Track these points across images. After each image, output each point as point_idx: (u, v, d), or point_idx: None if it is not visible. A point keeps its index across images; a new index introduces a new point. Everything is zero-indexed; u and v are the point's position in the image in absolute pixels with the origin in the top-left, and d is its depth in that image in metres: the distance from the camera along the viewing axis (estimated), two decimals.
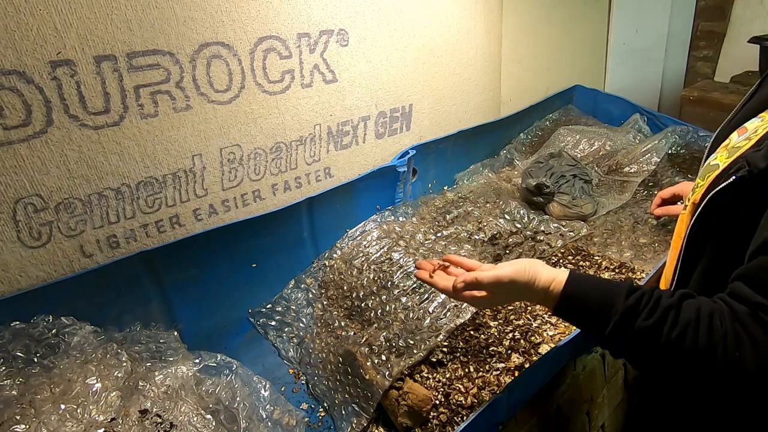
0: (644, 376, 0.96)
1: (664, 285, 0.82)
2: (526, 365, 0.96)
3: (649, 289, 0.62)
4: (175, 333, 0.96)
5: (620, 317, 0.61)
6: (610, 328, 0.61)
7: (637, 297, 0.61)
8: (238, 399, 0.85)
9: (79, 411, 0.73)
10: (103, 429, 0.72)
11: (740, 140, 0.68)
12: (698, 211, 0.65)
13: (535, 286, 0.70)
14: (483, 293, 0.74)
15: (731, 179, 0.60)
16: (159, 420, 0.76)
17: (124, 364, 0.81)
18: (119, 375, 0.79)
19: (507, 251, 1.30)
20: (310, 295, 1.20)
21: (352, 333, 1.04)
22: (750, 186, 0.58)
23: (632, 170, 1.60)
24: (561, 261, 1.28)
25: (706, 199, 0.63)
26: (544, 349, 0.99)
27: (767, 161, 0.57)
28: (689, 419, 0.72)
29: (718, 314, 0.57)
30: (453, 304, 1.01)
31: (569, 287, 0.68)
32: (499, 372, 0.95)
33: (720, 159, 0.69)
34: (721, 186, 0.61)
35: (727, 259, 0.62)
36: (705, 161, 0.81)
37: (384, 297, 1.06)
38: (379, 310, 1.05)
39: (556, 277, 0.69)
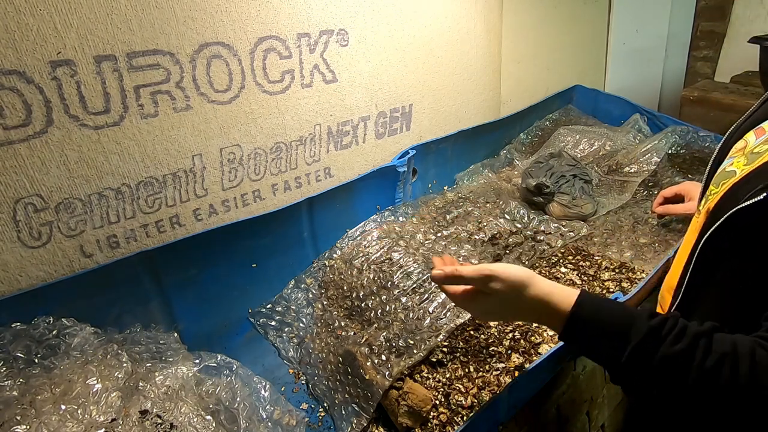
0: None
1: (666, 295, 0.78)
2: (526, 365, 0.96)
3: (673, 316, 0.55)
4: (175, 334, 0.96)
5: (642, 340, 0.53)
6: (629, 352, 0.53)
7: (661, 320, 0.54)
8: (238, 399, 0.85)
9: (79, 411, 0.73)
10: (103, 429, 0.72)
11: (759, 143, 0.61)
12: (715, 227, 0.58)
13: (528, 291, 0.62)
14: (465, 292, 0.68)
15: (762, 196, 0.52)
16: (159, 421, 0.76)
17: (125, 364, 0.81)
18: (119, 376, 0.79)
19: (507, 251, 1.30)
20: (310, 295, 1.20)
21: (352, 333, 1.04)
22: None
23: (632, 170, 1.60)
24: (561, 261, 1.29)
25: (726, 216, 0.56)
26: (544, 349, 0.99)
27: None
28: (689, 419, 0.72)
29: (760, 350, 0.50)
30: (453, 304, 1.01)
31: (581, 299, 0.60)
32: (499, 372, 0.95)
33: (737, 165, 0.61)
34: (747, 203, 0.53)
35: (746, 282, 0.56)
36: (714, 164, 0.74)
37: (384, 297, 1.06)
38: (379, 310, 1.05)
39: (559, 290, 0.63)
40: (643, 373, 0.54)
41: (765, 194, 0.51)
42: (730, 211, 0.55)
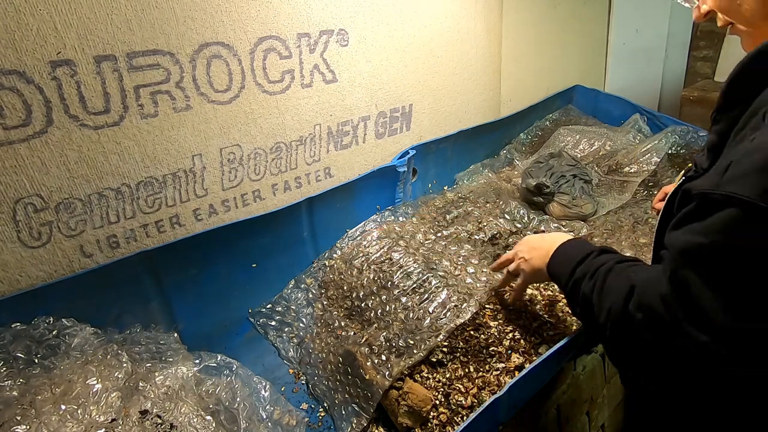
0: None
1: None
2: (526, 365, 0.95)
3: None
4: (175, 334, 0.96)
5: (571, 286, 0.74)
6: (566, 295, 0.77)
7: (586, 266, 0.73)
8: (238, 399, 0.85)
9: (79, 412, 0.73)
10: (103, 429, 0.72)
11: None
12: (662, 209, 0.76)
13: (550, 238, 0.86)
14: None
15: (683, 179, 0.72)
16: (159, 421, 0.76)
17: (125, 365, 0.81)
18: (119, 376, 0.79)
19: (507, 251, 1.30)
20: (310, 295, 1.20)
21: (352, 333, 1.04)
22: None
23: (632, 170, 1.60)
24: None
25: (667, 197, 0.74)
26: (544, 349, 0.99)
27: (708, 162, 0.66)
28: (689, 419, 0.72)
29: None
30: (453, 304, 1.01)
31: (556, 251, 0.83)
32: (499, 372, 0.95)
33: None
34: (677, 185, 0.72)
35: None
36: None
37: (384, 297, 1.06)
38: (379, 310, 1.05)
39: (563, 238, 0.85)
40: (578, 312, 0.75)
41: (684, 177, 0.71)
42: (670, 192, 0.73)
